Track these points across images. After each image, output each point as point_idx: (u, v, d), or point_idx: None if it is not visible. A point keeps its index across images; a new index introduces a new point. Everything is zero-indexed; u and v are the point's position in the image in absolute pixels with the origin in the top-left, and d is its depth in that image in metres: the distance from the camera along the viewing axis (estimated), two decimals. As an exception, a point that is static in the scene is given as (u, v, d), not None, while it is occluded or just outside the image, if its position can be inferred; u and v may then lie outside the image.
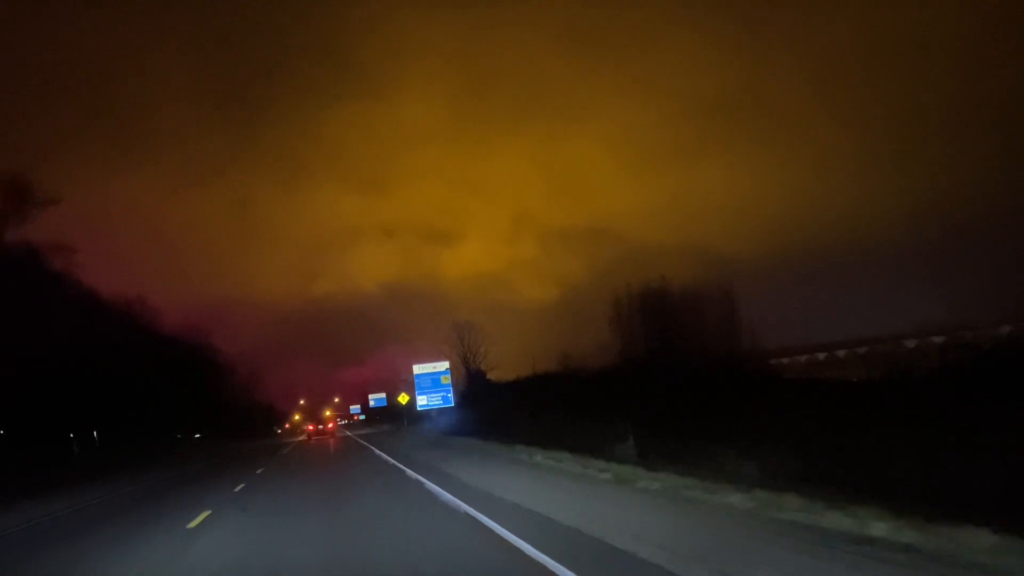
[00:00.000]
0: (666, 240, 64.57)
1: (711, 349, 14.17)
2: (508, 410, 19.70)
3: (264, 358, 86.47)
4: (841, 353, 13.57)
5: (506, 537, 5.77)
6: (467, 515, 7.23)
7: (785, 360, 14.37)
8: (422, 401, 32.30)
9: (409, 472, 13.01)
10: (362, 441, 32.08)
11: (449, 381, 32.16)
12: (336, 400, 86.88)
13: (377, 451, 21.48)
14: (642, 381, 12.56)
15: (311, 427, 67.47)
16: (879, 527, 4.75)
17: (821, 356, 14.49)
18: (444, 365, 32.50)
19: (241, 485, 13.46)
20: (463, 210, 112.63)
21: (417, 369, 32.56)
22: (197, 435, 55.70)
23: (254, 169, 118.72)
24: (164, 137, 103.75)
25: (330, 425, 67.55)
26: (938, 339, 7.86)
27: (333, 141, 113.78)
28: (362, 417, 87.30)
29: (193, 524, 8.40)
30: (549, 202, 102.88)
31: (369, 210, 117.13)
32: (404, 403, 39.46)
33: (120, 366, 33.04)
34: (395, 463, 15.87)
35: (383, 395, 63.48)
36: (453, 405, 31.46)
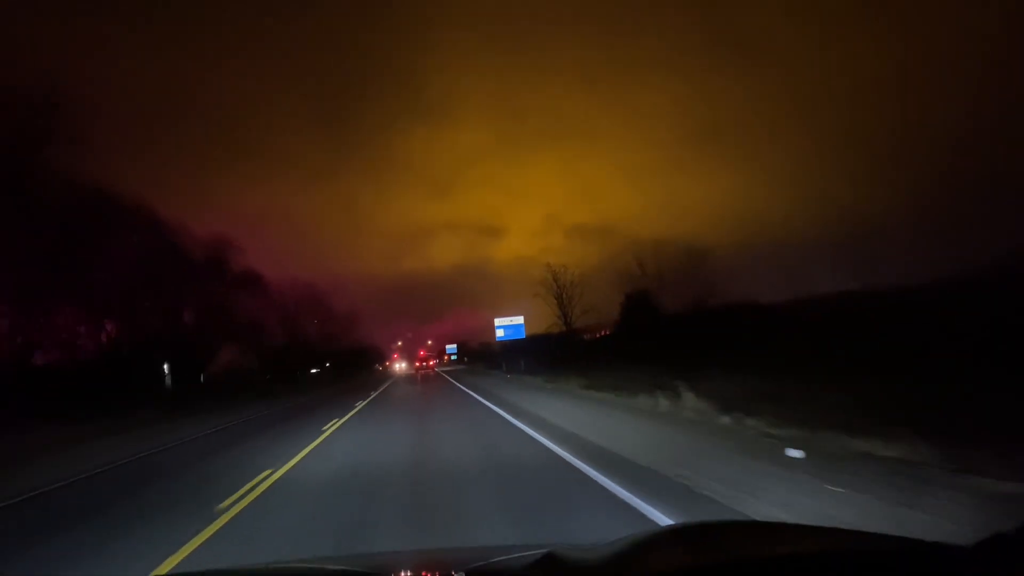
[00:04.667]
0: (658, 234, 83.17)
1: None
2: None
3: (368, 316, 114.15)
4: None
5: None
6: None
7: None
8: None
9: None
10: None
11: None
12: (429, 343, 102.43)
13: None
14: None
15: (418, 364, 75.82)
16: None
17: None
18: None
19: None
20: (507, 211, 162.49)
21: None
22: (314, 370, 62.28)
23: (354, 176, 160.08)
24: (285, 153, 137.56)
25: (431, 363, 74.27)
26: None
27: (410, 156, 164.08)
28: (454, 357, 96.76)
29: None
30: (570, 205, 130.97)
31: (439, 209, 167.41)
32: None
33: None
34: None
35: (519, 319, 40.73)
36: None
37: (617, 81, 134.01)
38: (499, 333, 40.26)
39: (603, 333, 51.69)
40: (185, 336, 31.27)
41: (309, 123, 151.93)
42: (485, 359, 60.40)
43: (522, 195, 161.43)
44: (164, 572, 4.35)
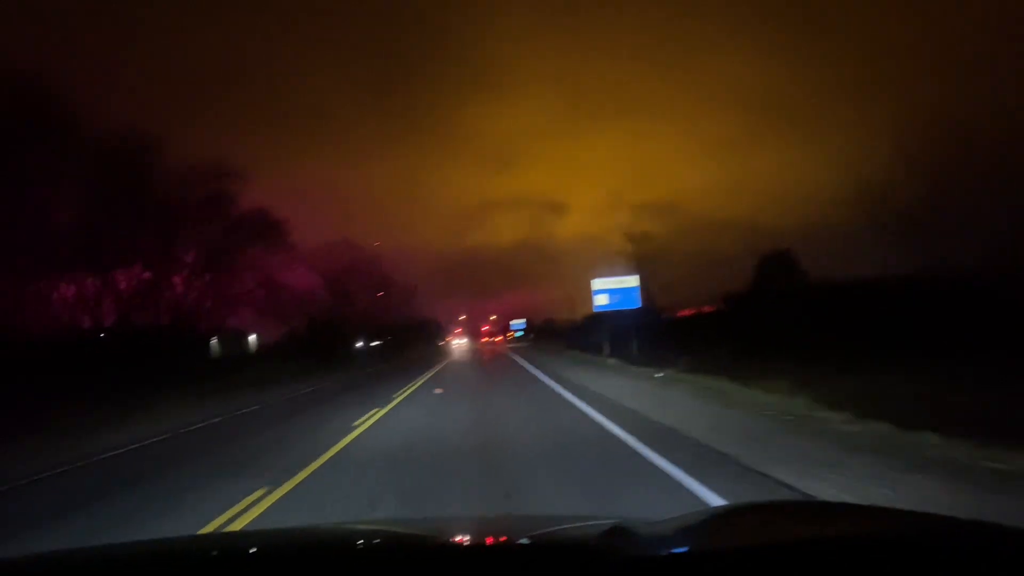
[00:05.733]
0: (724, 213, 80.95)
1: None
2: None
3: (428, 290, 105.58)
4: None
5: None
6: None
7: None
8: None
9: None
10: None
11: None
12: (492, 318, 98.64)
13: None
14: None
15: (484, 338, 70.96)
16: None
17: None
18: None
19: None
20: (571, 187, 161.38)
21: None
22: (376, 343, 56.23)
23: (413, 148, 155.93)
24: (343, 124, 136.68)
25: (498, 339, 67.26)
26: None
27: (471, 128, 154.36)
28: (519, 334, 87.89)
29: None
30: (634, 182, 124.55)
31: (500, 184, 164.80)
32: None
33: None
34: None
35: (632, 280, 27.13)
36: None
37: (684, 55, 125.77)
38: (599, 300, 26.66)
39: (687, 312, 43.56)
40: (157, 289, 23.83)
41: (368, 94, 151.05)
42: (556, 336, 51.89)
43: (586, 171, 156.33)
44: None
